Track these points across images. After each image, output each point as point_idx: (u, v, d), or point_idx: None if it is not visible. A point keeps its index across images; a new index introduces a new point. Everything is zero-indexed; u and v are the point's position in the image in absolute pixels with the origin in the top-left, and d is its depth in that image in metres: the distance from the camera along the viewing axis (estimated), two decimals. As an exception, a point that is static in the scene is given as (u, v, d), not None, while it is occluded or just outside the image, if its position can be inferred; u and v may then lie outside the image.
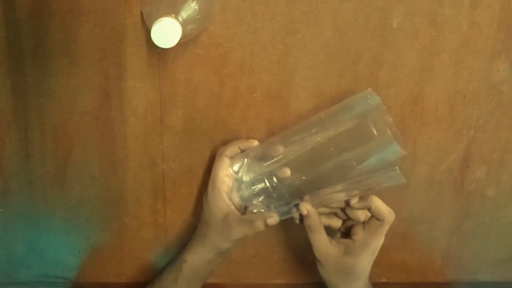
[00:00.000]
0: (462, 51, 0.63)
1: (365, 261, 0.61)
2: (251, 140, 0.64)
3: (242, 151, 0.64)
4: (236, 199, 0.63)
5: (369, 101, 0.58)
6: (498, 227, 0.72)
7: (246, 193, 0.63)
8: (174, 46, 0.54)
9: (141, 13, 0.60)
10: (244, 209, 0.64)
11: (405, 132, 0.67)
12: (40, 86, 0.64)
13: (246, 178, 0.63)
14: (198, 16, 0.57)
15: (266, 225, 0.61)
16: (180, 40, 0.54)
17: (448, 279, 0.75)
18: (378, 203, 0.59)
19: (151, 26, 0.53)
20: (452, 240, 0.73)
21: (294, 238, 0.73)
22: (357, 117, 0.58)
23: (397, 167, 0.56)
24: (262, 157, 0.62)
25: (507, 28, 0.62)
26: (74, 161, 0.67)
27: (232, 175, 0.64)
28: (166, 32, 0.53)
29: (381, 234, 0.60)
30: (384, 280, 0.75)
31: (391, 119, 0.57)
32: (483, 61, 0.64)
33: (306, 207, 0.60)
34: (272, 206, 0.62)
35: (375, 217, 0.60)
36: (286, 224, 0.71)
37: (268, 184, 0.61)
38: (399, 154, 0.56)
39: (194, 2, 0.56)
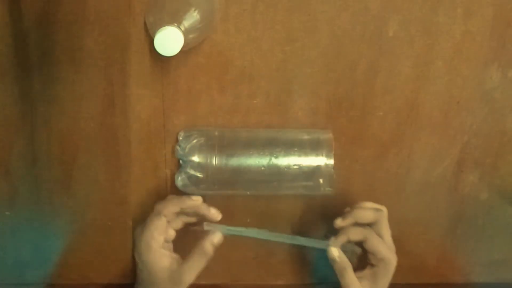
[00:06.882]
0: (456, 59, 0.64)
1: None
2: (194, 198, 0.62)
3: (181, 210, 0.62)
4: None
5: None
6: (491, 230, 0.73)
7: (186, 151, 0.64)
8: (177, 54, 0.54)
9: (145, 23, 0.61)
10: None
11: (400, 137, 0.68)
12: (46, 93, 0.64)
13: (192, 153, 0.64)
14: (200, 25, 0.57)
15: (214, 246, 0.60)
16: (182, 48, 0.54)
17: (442, 280, 0.75)
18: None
19: (154, 35, 0.53)
20: (446, 242, 0.73)
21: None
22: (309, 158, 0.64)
23: (330, 189, 0.64)
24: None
25: (499, 36, 0.63)
26: (80, 165, 0.67)
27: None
28: (169, 41, 0.53)
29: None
30: (380, 281, 0.76)
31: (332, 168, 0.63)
32: (476, 69, 0.65)
33: (334, 254, 0.60)
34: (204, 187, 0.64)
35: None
36: (285, 225, 0.71)
37: (211, 162, 0.63)
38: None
39: (196, 11, 0.56)
